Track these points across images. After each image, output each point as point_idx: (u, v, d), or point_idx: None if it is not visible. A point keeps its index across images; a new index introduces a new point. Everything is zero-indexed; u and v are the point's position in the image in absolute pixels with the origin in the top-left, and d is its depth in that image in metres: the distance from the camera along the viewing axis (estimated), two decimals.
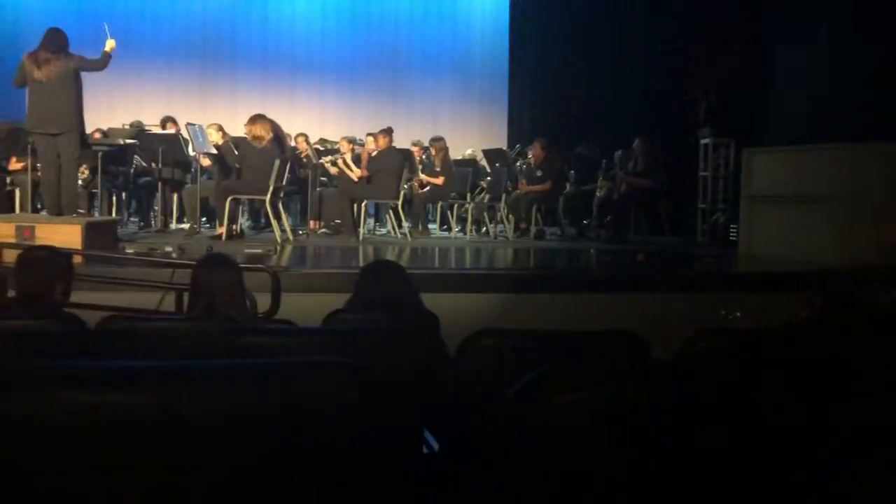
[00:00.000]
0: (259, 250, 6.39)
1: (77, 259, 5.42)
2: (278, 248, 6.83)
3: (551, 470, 1.10)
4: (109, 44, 6.40)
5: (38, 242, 5.58)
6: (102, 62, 6.38)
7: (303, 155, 9.03)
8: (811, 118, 7.82)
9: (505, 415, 1.13)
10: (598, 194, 9.36)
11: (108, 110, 10.17)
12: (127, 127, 9.02)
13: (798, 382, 1.18)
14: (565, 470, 1.11)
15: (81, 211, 6.87)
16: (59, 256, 2.85)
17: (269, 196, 7.16)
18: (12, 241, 5.55)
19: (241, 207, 8.08)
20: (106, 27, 6.49)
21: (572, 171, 9.74)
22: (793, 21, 8.71)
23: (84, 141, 6.66)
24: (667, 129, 9.79)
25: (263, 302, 3.90)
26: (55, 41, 6.21)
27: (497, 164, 9.53)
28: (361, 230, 7.99)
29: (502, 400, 1.13)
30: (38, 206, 7.46)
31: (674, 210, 9.37)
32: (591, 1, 11.28)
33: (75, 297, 4.10)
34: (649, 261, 7.08)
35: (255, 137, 7.31)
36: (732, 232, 8.59)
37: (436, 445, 2.17)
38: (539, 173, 8.96)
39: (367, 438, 1.10)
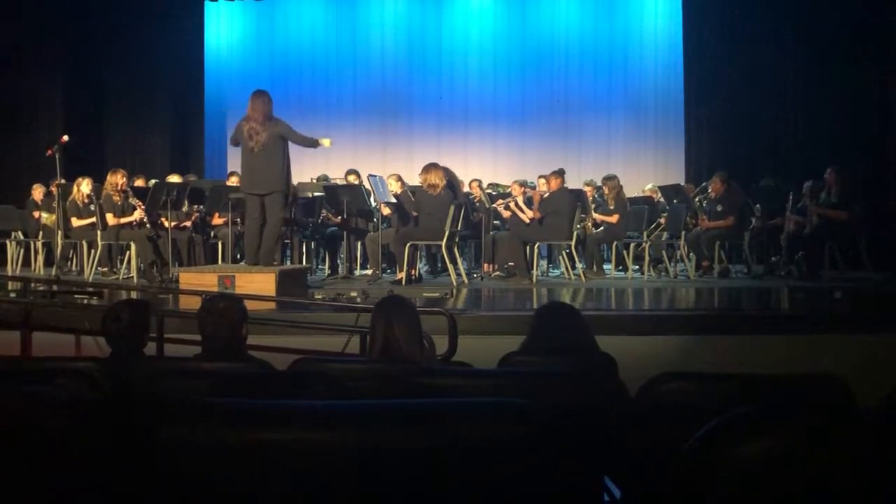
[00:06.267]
0: (436, 294, 6.56)
1: (271, 305, 5.83)
2: (454, 291, 6.96)
3: None
4: (326, 142, 6.84)
5: (238, 290, 6.07)
6: (309, 143, 6.80)
7: (476, 200, 9.21)
8: None
9: (689, 463, 1.07)
10: (786, 228, 8.77)
11: (297, 165, 10.84)
12: (314, 181, 9.64)
13: None
14: None
15: (275, 261, 7.35)
16: (237, 303, 3.08)
17: (444, 241, 7.35)
18: (214, 289, 6.06)
19: (418, 253, 8.35)
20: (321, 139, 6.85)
21: (758, 206, 9.22)
22: None
23: (287, 200, 7.05)
24: (863, 155, 9.03)
25: (441, 344, 3.98)
26: (262, 111, 6.58)
27: (675, 201, 9.20)
28: (534, 272, 7.98)
29: (686, 447, 1.07)
30: (238, 256, 8.10)
31: (877, 244, 8.59)
32: (768, 32, 10.77)
33: (269, 340, 4.40)
34: (849, 299, 6.52)
35: (430, 185, 7.56)
36: None
37: (617, 493, 2.09)
38: (720, 208, 8.56)
39: (545, 483, 1.08)
